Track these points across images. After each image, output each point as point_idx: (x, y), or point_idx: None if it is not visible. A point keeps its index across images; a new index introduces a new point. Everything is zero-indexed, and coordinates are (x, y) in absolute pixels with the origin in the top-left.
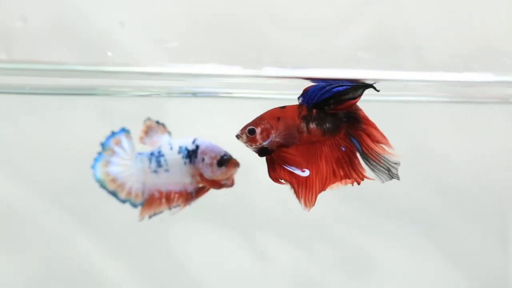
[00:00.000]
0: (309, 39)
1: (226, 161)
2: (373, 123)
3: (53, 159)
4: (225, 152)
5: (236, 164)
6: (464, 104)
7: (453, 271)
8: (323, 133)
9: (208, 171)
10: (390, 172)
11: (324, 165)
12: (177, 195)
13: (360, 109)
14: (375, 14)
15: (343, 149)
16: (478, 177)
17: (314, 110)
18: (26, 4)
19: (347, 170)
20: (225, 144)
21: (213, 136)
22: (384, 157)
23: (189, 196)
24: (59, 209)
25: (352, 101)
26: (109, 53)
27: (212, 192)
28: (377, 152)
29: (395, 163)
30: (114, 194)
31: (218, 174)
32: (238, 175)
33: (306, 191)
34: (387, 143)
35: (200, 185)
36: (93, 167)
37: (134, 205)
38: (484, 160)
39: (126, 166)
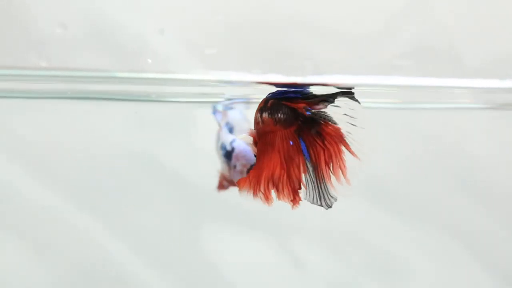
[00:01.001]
0: (349, 46)
1: None
2: (340, 146)
3: (90, 164)
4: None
5: None
6: (502, 110)
7: (488, 277)
8: (274, 122)
9: (238, 178)
10: (320, 200)
11: (275, 155)
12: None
13: (330, 125)
14: (414, 21)
15: (291, 143)
16: None
17: (270, 101)
18: (66, 10)
19: (291, 166)
20: None
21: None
22: (325, 184)
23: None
24: (93, 213)
25: (304, 103)
26: (149, 60)
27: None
28: (322, 174)
29: (332, 197)
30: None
31: None
32: None
33: (253, 179)
34: (336, 174)
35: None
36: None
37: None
38: None
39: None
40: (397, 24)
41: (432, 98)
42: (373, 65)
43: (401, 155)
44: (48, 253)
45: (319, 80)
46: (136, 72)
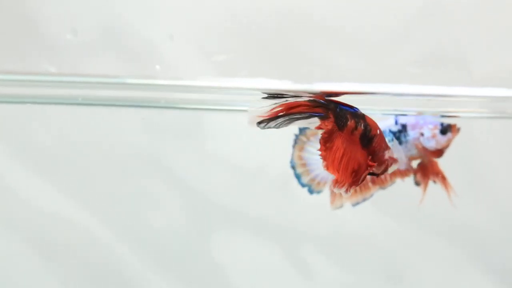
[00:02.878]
0: (360, 54)
1: (449, 128)
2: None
3: (98, 169)
4: (438, 121)
5: (458, 128)
6: (510, 119)
7: (492, 283)
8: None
9: (432, 142)
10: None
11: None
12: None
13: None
14: (425, 29)
15: None
16: None
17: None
18: (76, 17)
19: None
20: (267, 155)
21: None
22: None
23: (405, 172)
24: (101, 217)
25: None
26: (157, 66)
27: (255, 204)
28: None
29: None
30: (298, 176)
31: (444, 142)
32: (281, 189)
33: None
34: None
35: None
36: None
37: (311, 192)
38: None
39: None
40: (408, 32)
41: (441, 106)
42: (382, 73)
43: None
44: (56, 255)
45: (329, 88)
46: (145, 78)
